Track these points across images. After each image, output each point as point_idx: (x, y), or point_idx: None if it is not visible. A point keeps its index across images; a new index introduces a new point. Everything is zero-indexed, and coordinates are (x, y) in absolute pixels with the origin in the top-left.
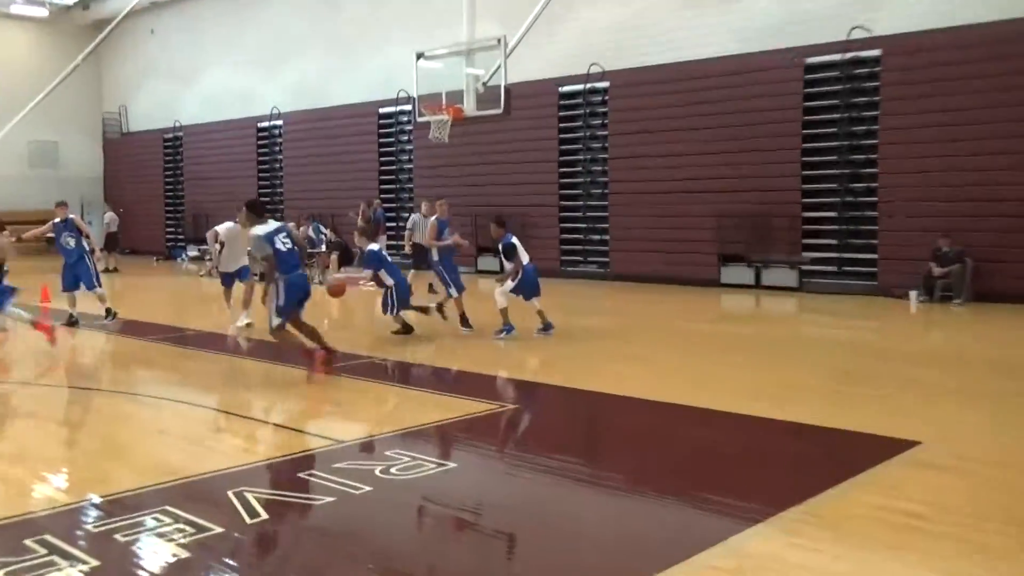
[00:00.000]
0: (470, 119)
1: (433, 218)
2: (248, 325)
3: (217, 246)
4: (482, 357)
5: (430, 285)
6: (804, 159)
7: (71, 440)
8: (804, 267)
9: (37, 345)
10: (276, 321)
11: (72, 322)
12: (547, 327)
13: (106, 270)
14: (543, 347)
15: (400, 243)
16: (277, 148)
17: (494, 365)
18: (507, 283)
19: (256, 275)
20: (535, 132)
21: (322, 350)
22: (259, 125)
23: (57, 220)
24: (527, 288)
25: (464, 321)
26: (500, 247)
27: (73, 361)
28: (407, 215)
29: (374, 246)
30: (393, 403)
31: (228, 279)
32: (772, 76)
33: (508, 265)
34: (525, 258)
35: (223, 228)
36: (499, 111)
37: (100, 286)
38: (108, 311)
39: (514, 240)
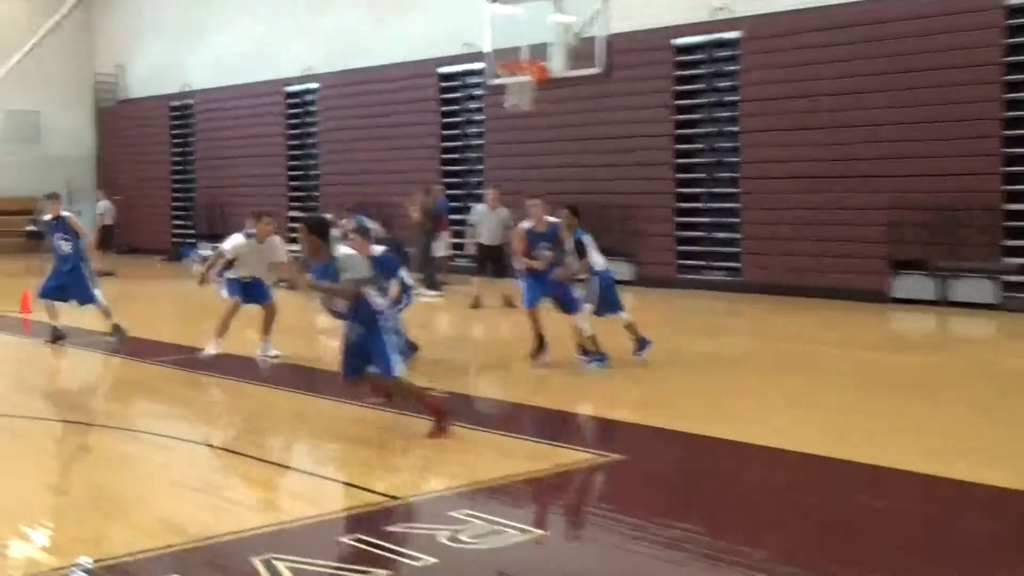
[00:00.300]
0: (558, 81)
1: (524, 225)
2: (275, 356)
3: (219, 262)
4: (570, 391)
5: (506, 298)
6: (1008, 132)
7: (57, 488)
8: (1007, 278)
9: (15, 367)
10: (400, 369)
11: (57, 337)
12: (642, 344)
13: (99, 273)
14: (649, 378)
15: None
16: (310, 119)
17: (586, 402)
18: (585, 305)
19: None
20: (643, 98)
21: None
22: (286, 89)
23: (48, 218)
24: (604, 301)
25: (539, 347)
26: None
27: (58, 388)
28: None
29: (377, 249)
30: (461, 449)
31: (243, 290)
32: (968, 21)
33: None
34: (599, 262)
35: (232, 245)
36: (596, 70)
37: (100, 298)
38: (116, 328)
39: (588, 237)
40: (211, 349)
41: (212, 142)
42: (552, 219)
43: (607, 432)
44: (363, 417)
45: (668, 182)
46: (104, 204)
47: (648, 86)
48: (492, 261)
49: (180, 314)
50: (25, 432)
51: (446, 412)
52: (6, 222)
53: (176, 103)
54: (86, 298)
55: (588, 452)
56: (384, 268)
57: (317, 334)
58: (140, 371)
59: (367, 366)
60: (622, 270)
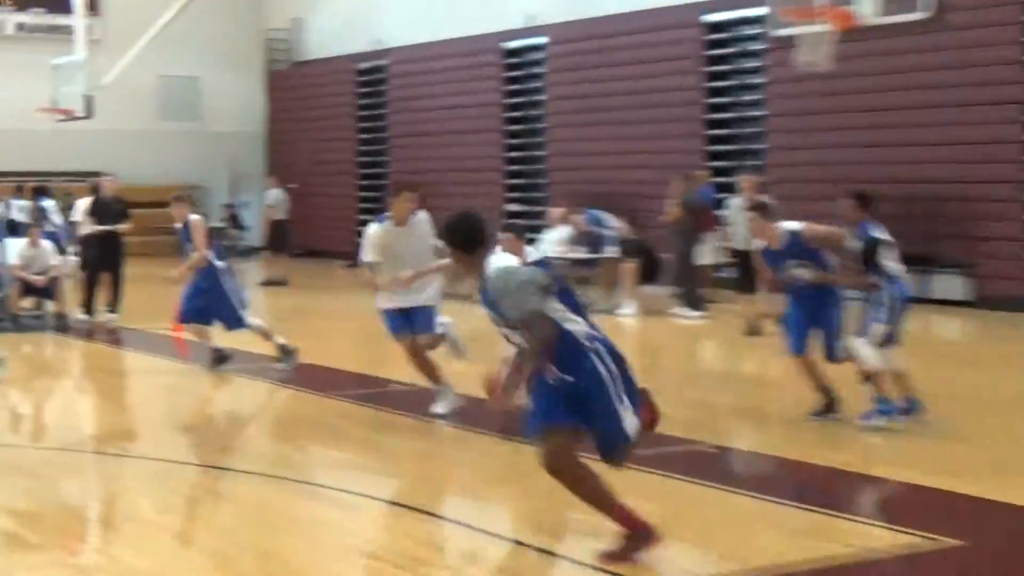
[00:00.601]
0: (868, 31)
1: (757, 243)
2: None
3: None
4: (866, 447)
5: (752, 321)
6: None
7: (222, 555)
8: None
9: (165, 399)
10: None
11: (220, 359)
12: (909, 407)
13: (269, 283)
14: (978, 435)
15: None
16: (534, 83)
17: (890, 462)
18: (875, 327)
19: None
20: (988, 52)
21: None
22: (504, 46)
23: (177, 225)
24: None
25: (827, 405)
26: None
27: (216, 426)
28: (735, 199)
29: (531, 254)
30: (735, 522)
31: (401, 323)
32: None
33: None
34: (895, 269)
35: (368, 243)
36: (923, 14)
37: (251, 319)
38: (283, 350)
39: (882, 235)
40: (441, 407)
41: (409, 114)
42: (791, 226)
43: (931, 505)
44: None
45: (1021, 167)
46: (275, 194)
47: (994, 35)
48: (749, 272)
49: (367, 335)
50: (177, 480)
51: (643, 532)
52: (160, 216)
53: (365, 64)
54: (233, 322)
55: (903, 531)
56: None
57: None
58: (316, 407)
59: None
60: (950, 286)
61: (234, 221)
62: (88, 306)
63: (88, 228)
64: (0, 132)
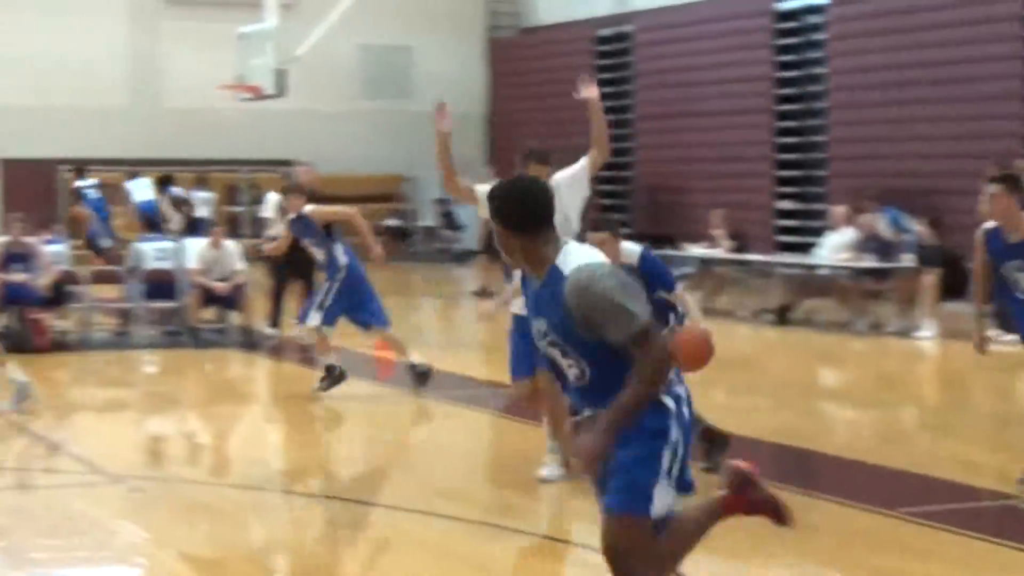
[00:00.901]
0: None
1: (986, 224)
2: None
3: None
4: None
5: None
6: None
7: None
8: None
9: (355, 424)
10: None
11: (422, 375)
12: None
13: (480, 293)
14: None
15: None
16: (812, 53)
17: None
18: None
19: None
20: None
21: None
22: (776, 7)
23: (291, 216)
24: None
25: None
26: None
27: (420, 463)
28: None
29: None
30: None
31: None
32: None
33: None
34: None
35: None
36: None
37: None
38: (415, 369)
39: None
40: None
41: (658, 91)
42: None
43: None
44: (826, 523)
45: None
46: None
47: None
48: None
49: None
50: (380, 527)
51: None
52: (364, 213)
53: (605, 31)
54: (371, 319)
55: None
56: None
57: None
58: (525, 437)
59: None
60: None
61: (448, 220)
62: (276, 318)
63: (279, 227)
64: (178, 112)
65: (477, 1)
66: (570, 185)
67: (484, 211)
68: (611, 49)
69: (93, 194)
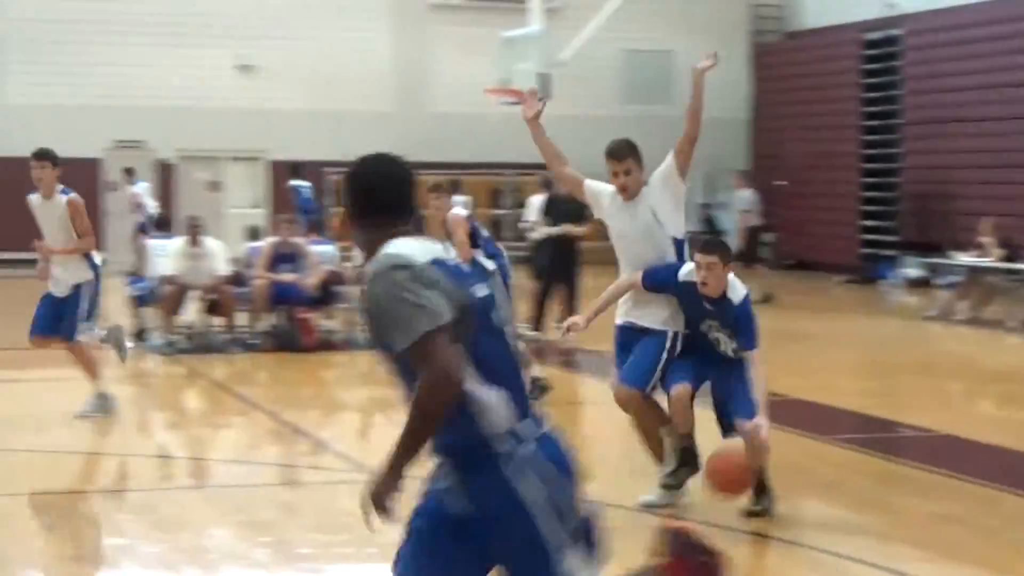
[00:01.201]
0: None
1: None
2: None
3: None
4: None
5: None
6: None
7: None
8: None
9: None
10: None
11: (541, 388)
12: None
13: (765, 299)
14: None
15: None
16: None
17: None
18: None
19: None
20: None
21: None
22: None
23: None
24: None
25: None
26: None
27: None
28: None
29: None
30: None
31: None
32: None
33: None
34: None
35: None
36: None
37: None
38: (535, 383)
39: None
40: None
41: (929, 96)
42: None
43: None
44: None
45: None
46: (747, 195)
47: None
48: None
49: (871, 366)
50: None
51: None
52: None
53: (873, 35)
54: None
55: None
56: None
57: None
58: (806, 453)
59: None
60: None
61: (710, 225)
62: (538, 321)
63: (541, 231)
64: (442, 116)
65: (742, 5)
66: (662, 181)
67: (597, 209)
68: (878, 53)
69: (306, 193)
